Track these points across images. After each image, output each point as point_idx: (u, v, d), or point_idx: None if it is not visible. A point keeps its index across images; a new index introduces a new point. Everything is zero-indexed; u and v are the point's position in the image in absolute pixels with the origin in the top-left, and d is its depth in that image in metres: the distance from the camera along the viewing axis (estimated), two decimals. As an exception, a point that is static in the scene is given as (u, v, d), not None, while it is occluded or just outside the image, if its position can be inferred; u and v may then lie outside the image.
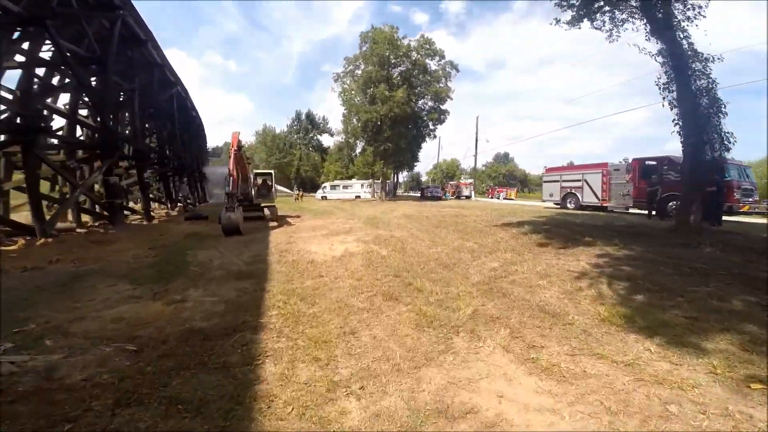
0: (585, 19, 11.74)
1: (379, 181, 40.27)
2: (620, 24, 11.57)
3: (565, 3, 11.70)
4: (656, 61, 11.10)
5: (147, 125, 27.22)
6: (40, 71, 16.82)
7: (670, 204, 15.49)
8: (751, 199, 16.10)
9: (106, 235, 13.68)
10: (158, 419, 2.80)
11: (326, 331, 4.52)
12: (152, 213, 24.65)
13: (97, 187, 18.50)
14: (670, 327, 4.38)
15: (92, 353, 3.96)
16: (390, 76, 35.57)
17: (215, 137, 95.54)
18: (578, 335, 4.31)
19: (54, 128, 17.43)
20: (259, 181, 21.02)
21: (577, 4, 11.59)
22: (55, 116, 19.16)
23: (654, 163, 18.15)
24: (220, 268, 8.09)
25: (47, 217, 12.82)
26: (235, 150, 14.79)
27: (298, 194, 41.20)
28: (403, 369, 3.64)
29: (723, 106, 10.22)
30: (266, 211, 18.89)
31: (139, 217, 21.00)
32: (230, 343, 4.20)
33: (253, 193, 19.68)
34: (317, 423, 2.83)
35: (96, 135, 18.43)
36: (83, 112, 21.31)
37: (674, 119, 10.71)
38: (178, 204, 27.82)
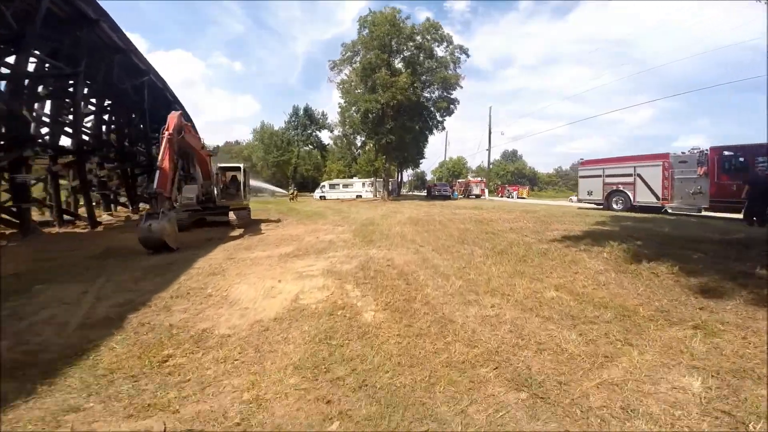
0: None
1: (382, 179, 35.39)
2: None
3: None
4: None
5: (108, 117, 22.81)
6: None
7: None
8: None
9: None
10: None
11: None
12: (108, 216, 20.36)
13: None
14: None
15: None
16: (392, 61, 30.86)
17: (220, 138, 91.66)
18: None
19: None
20: (227, 177, 16.48)
21: None
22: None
23: (738, 153, 13.41)
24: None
25: None
26: (169, 134, 10.24)
27: (292, 194, 36.75)
28: None
29: None
30: (231, 216, 14.37)
31: (85, 223, 16.56)
32: None
33: (216, 192, 15.14)
34: None
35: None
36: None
37: None
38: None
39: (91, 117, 21.16)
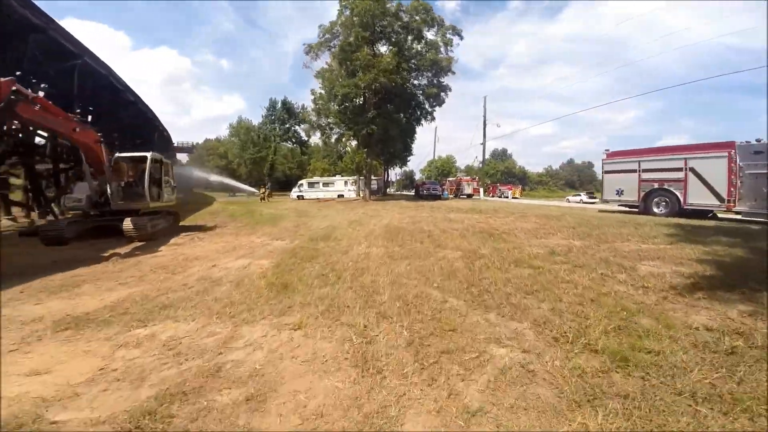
0: None
1: (365, 178, 30.57)
2: None
3: None
4: None
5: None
6: None
7: None
8: None
9: None
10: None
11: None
12: (7, 221, 15.39)
13: None
14: None
15: None
16: (375, 43, 26.17)
17: (207, 136, 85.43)
18: None
19: None
20: (135, 171, 11.65)
21: None
22: None
23: None
24: None
25: None
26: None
27: (263, 193, 31.88)
28: None
29: None
30: (126, 224, 9.65)
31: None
32: None
33: (111, 191, 10.34)
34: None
35: None
36: None
37: None
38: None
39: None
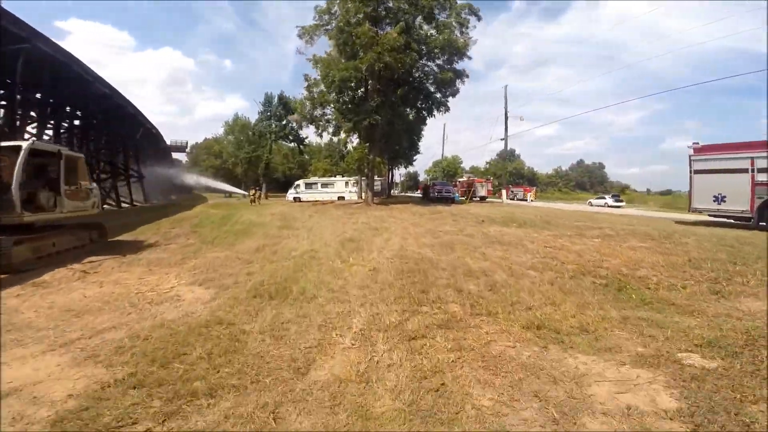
0: None
1: (367, 178, 26.08)
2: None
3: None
4: None
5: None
6: None
7: None
8: None
9: None
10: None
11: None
12: None
13: None
14: None
15: None
16: (379, 17, 22.01)
17: (202, 136, 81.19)
18: None
19: None
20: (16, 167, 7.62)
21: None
22: None
23: None
24: None
25: None
26: None
27: (254, 195, 27.81)
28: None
29: None
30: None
31: None
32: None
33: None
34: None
35: None
36: None
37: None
38: None
39: None
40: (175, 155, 55.79)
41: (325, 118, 22.79)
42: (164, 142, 47.39)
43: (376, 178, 27.60)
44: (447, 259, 5.99)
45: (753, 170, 9.55)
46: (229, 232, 11.00)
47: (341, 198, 32.72)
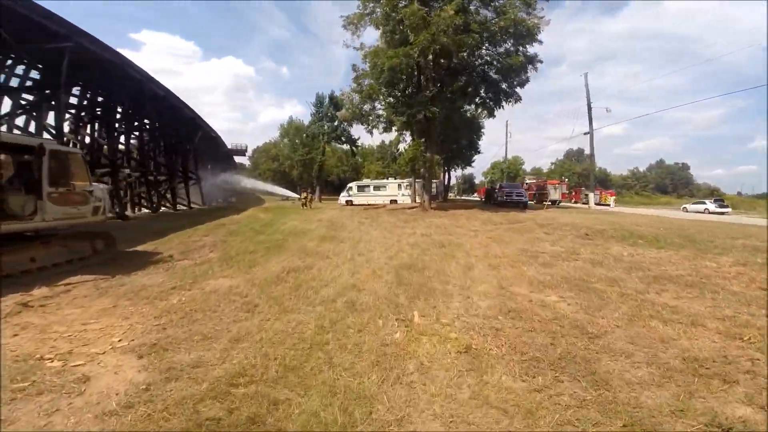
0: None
1: (422, 179, 22.79)
2: None
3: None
4: None
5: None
6: None
7: None
8: None
9: None
10: None
11: None
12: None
13: None
14: None
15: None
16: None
17: (262, 141, 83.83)
18: None
19: None
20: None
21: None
22: None
23: None
24: None
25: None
26: None
27: (305, 198, 26.24)
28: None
29: None
30: None
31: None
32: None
33: None
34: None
35: None
36: None
37: None
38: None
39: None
40: (237, 159, 57.42)
41: (375, 113, 20.22)
42: (225, 145, 48.41)
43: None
44: (626, 335, 2.98)
45: None
46: (261, 244, 8.80)
47: (394, 201, 30.16)
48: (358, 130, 51.08)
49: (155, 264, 7.01)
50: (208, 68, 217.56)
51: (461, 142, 29.60)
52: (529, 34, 19.02)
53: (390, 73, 17.80)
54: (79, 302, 4.56)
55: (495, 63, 20.08)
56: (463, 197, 58.65)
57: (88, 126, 18.24)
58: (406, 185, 30.98)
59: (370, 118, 19.98)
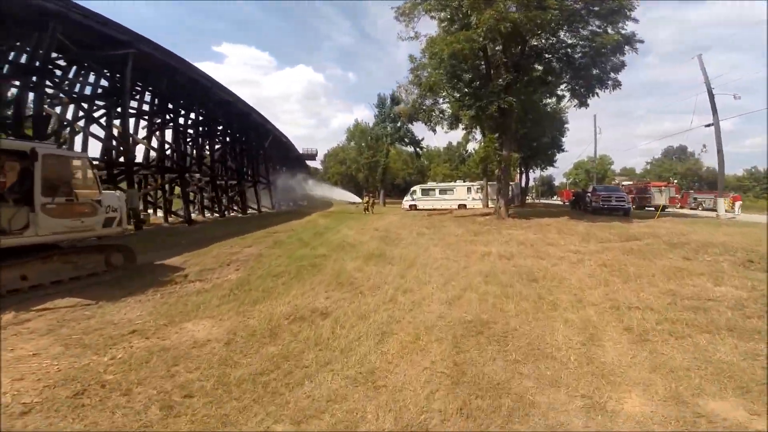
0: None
1: (498, 181, 19.11)
2: None
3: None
4: None
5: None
6: None
7: None
8: None
9: None
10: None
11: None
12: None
13: None
14: None
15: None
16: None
17: (330, 146, 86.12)
18: None
19: None
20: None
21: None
22: None
23: None
24: None
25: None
26: None
27: (367, 202, 24.78)
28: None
29: None
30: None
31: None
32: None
33: None
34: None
35: None
36: None
37: None
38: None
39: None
40: (310, 163, 58.92)
41: (438, 107, 17.68)
42: (296, 150, 49.74)
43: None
44: None
45: None
46: (296, 262, 7.18)
47: (462, 206, 27.32)
48: (422, 131, 48.34)
49: (162, 286, 5.75)
50: (282, 77, 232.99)
51: (542, 139, 25.63)
52: (623, 8, 14.94)
53: (451, 62, 15.25)
54: (24, 338, 3.27)
55: (581, 45, 16.19)
56: (541, 201, 52.83)
57: (158, 131, 18.75)
58: (477, 188, 27.87)
59: (432, 113, 17.53)
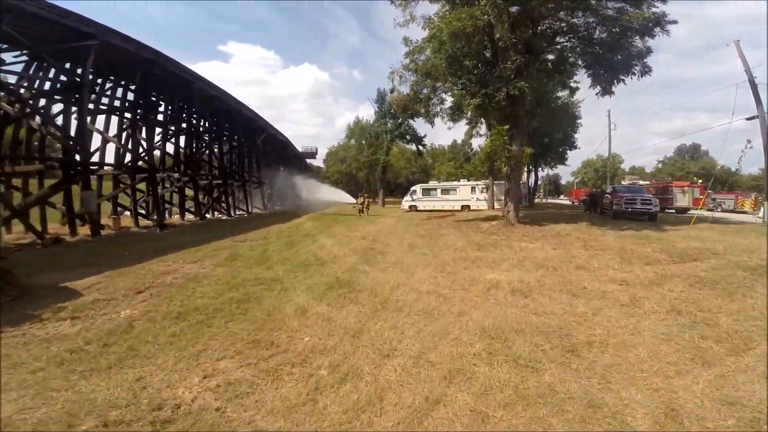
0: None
1: (506, 179, 16.58)
2: None
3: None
4: None
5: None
6: None
7: None
8: None
9: None
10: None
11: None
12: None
13: None
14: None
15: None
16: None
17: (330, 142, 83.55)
18: None
19: None
20: None
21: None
22: None
23: None
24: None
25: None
26: None
27: (361, 204, 22.69)
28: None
29: None
30: None
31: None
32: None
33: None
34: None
35: None
36: None
37: None
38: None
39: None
40: (313, 162, 56.72)
41: (437, 96, 15.47)
42: (294, 148, 47.56)
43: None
44: None
45: None
46: (229, 292, 5.16)
47: (466, 207, 25.16)
48: (425, 127, 45.85)
49: (17, 324, 3.78)
50: (288, 76, 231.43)
51: (554, 135, 23.36)
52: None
53: (453, 43, 13.06)
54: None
55: (604, 26, 13.90)
56: (549, 201, 50.38)
57: (129, 129, 16.86)
58: (482, 188, 25.64)
59: (431, 101, 15.31)
